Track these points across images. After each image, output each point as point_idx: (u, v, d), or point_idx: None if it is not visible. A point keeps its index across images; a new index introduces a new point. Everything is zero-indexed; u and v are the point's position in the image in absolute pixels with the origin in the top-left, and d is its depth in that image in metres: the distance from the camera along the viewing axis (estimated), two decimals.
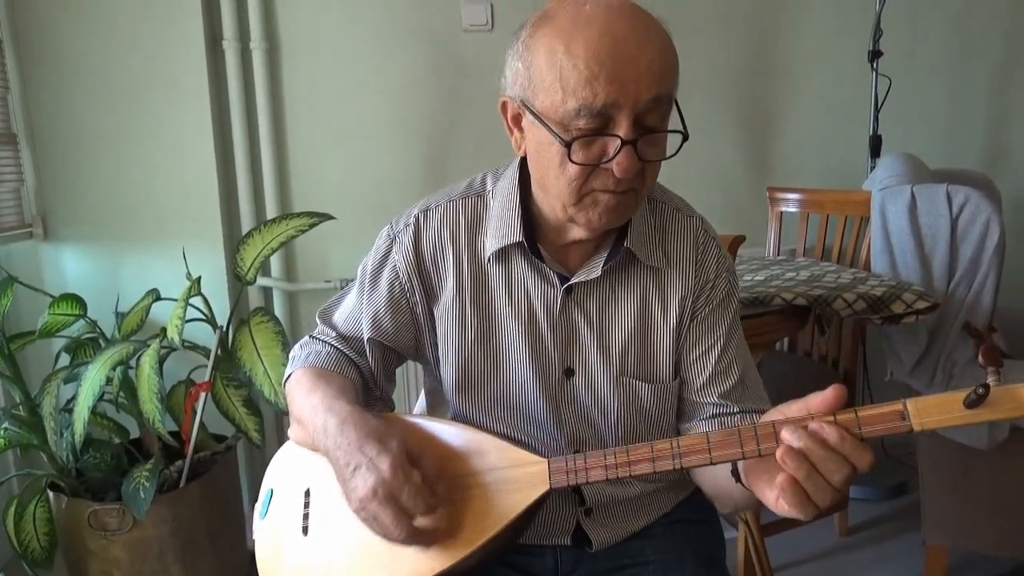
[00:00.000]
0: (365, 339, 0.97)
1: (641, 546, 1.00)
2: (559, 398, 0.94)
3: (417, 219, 0.96)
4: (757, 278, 1.79)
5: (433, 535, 0.78)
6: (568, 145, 0.78)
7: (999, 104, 2.54)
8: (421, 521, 0.77)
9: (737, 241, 1.53)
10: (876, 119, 2.28)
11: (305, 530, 0.90)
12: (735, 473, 0.81)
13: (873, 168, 2.24)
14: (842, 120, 2.41)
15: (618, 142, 0.77)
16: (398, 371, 1.23)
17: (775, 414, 0.73)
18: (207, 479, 1.84)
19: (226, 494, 1.91)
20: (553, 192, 0.84)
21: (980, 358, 0.69)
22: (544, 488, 0.79)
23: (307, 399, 0.88)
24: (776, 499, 0.69)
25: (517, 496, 0.79)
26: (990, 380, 0.68)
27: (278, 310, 2.22)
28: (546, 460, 0.80)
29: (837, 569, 2.03)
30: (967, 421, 0.66)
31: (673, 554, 0.99)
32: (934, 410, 0.66)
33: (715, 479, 0.88)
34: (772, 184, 2.34)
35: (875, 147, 2.32)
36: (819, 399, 0.68)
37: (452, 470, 0.83)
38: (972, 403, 0.64)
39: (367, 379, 1.00)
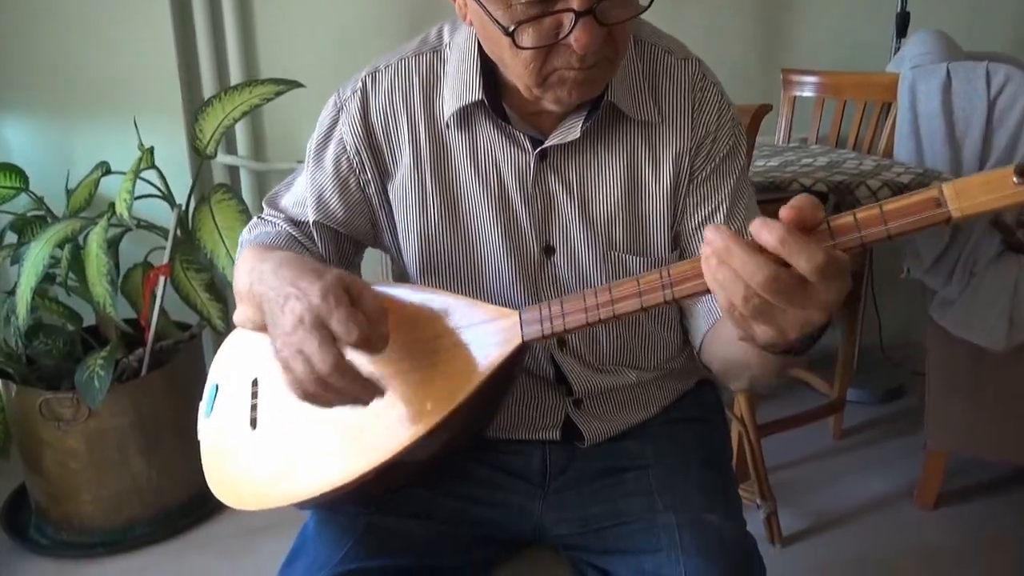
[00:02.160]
0: (311, 222, 0.94)
1: (639, 448, 0.98)
2: (538, 280, 0.91)
3: (364, 84, 0.90)
4: (771, 164, 1.74)
5: (368, 388, 0.73)
6: (511, 33, 0.73)
7: None
8: (357, 359, 0.72)
9: (762, 111, 1.40)
10: None
11: (253, 422, 0.87)
12: None
13: (899, 48, 2.11)
14: None
15: (572, 14, 0.72)
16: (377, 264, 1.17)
17: None
18: (169, 369, 1.78)
19: (190, 385, 1.81)
20: (512, 74, 0.80)
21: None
22: (517, 341, 0.76)
23: (249, 269, 0.83)
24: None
25: (488, 354, 0.77)
26: None
27: (245, 193, 2.11)
28: (517, 312, 0.77)
29: (832, 471, 2.05)
30: (1018, 199, 0.54)
31: (674, 456, 0.96)
32: (978, 190, 0.55)
33: (725, 340, 0.84)
34: (787, 66, 2.21)
35: (902, 25, 2.17)
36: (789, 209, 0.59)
37: (415, 335, 0.80)
38: None
39: None
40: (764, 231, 0.57)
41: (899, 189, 1.53)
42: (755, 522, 1.78)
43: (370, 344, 0.70)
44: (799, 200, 0.59)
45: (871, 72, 2.01)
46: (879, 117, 1.95)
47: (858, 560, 1.75)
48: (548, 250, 0.91)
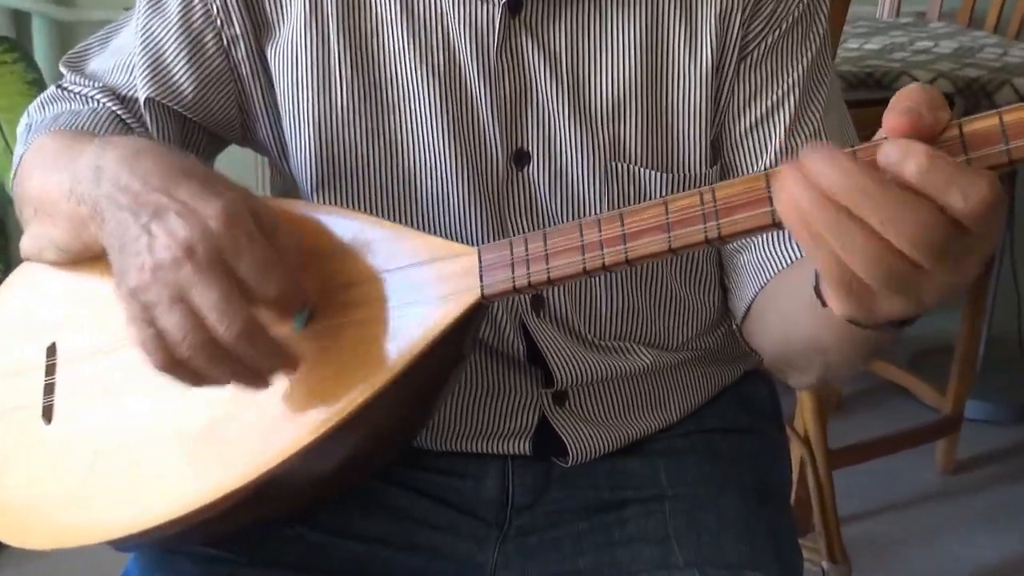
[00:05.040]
0: (141, 100, 0.95)
1: (650, 470, 1.00)
2: (503, 204, 0.93)
3: None
4: (869, 47, 1.77)
5: (283, 359, 0.74)
6: None
7: None
8: (271, 323, 0.73)
9: None
10: None
11: (47, 413, 0.88)
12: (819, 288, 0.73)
13: None
14: None
15: None
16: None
17: None
18: None
19: None
20: None
21: None
22: (472, 297, 0.76)
23: (56, 163, 0.85)
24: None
25: (425, 317, 0.77)
26: None
27: (40, 54, 2.11)
28: (475, 250, 0.77)
29: (936, 523, 2.08)
30: None
31: (703, 485, 0.99)
32: None
33: (788, 307, 0.86)
34: None
35: None
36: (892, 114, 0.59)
37: (312, 282, 0.80)
38: None
39: None
40: (896, 151, 0.56)
41: None
42: None
43: (290, 305, 0.73)
44: (911, 96, 0.58)
45: None
46: None
47: None
48: (520, 157, 0.92)
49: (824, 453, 1.80)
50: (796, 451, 1.81)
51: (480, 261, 0.77)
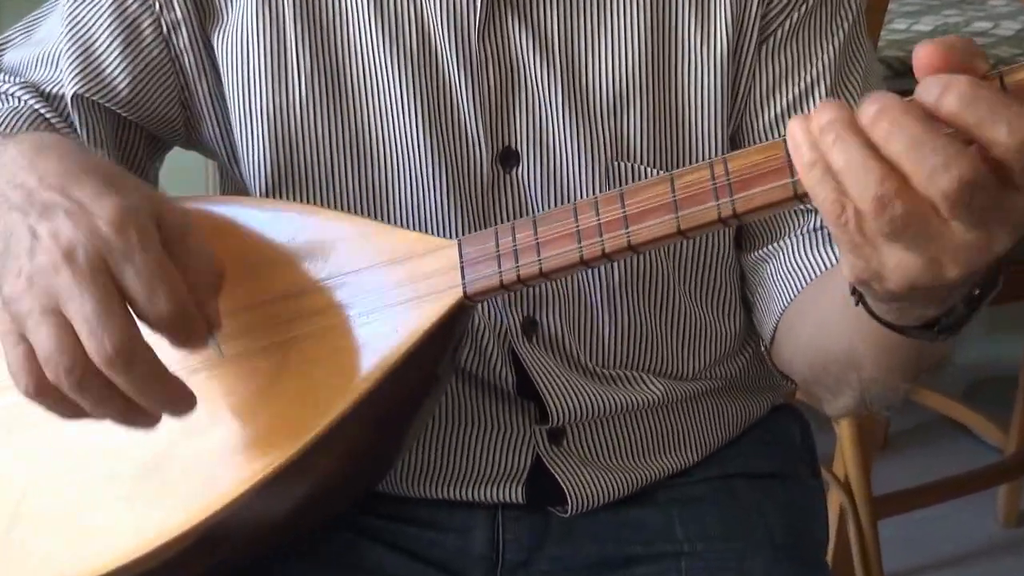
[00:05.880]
0: (68, 96, 0.95)
1: (664, 521, 1.00)
2: (489, 208, 0.95)
3: None
4: (918, 27, 1.80)
5: (172, 394, 0.73)
6: None
7: None
8: (163, 350, 0.71)
9: None
10: None
11: None
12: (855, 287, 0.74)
13: None
14: None
15: None
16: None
17: None
18: None
19: None
20: None
21: None
22: (453, 296, 0.77)
23: None
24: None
25: (399, 321, 0.78)
26: None
27: None
28: (456, 241, 0.78)
29: None
30: None
31: (727, 539, 0.99)
32: None
33: (821, 313, 0.86)
34: None
35: None
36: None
37: (255, 290, 0.82)
38: None
39: None
40: (935, 86, 0.56)
41: None
42: None
43: (187, 329, 0.71)
44: (948, 40, 0.58)
45: None
46: None
47: None
48: (507, 157, 0.93)
49: (867, 501, 1.79)
50: (835, 498, 1.80)
51: (461, 254, 0.77)
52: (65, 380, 0.68)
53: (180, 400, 0.72)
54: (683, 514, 0.99)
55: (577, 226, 0.73)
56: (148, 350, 0.70)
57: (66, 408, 0.71)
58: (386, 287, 0.79)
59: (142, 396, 0.70)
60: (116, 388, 0.69)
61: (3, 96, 0.97)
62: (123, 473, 0.79)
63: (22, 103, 0.96)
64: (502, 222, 0.92)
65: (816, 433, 1.11)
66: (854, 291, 0.74)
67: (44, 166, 0.75)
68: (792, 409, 1.09)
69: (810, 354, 0.90)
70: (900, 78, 1.58)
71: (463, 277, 0.77)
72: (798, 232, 0.95)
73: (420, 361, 0.78)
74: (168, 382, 0.71)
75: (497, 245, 0.76)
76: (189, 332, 0.71)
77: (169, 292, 0.69)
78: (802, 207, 0.75)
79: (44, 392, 0.70)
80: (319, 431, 0.76)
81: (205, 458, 0.78)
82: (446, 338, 0.79)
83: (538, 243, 0.74)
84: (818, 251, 0.93)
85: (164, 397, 0.71)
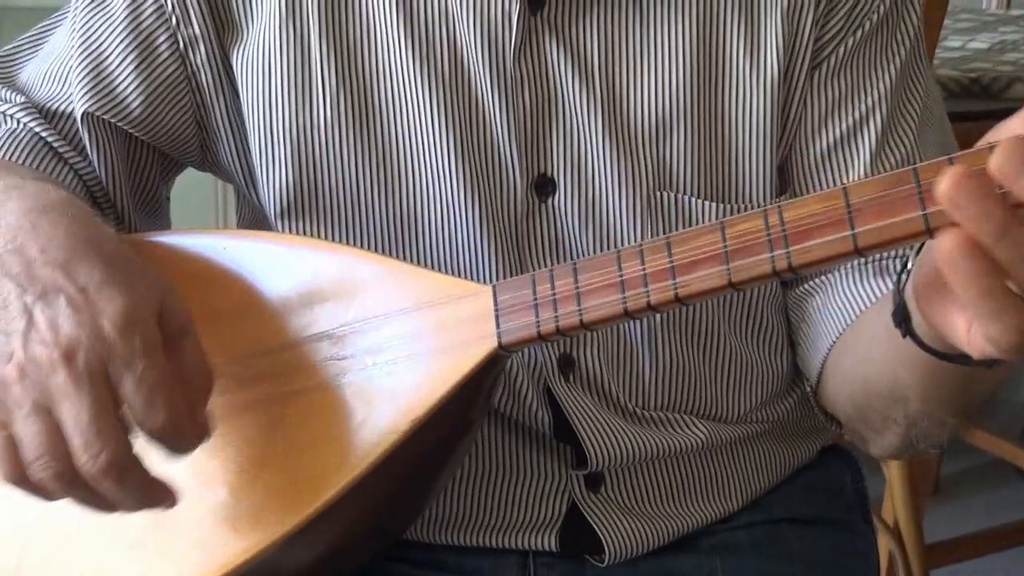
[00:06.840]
0: (78, 114, 0.95)
1: (705, 567, 1.00)
2: (523, 239, 0.94)
3: None
4: (974, 45, 1.83)
5: (154, 498, 0.74)
6: None
7: None
8: (151, 453, 0.73)
9: None
10: None
11: None
12: (900, 314, 0.74)
13: None
14: None
15: None
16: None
17: None
18: None
19: None
20: None
21: None
22: (487, 347, 0.76)
23: None
24: (968, 328, 0.64)
25: (428, 373, 0.78)
26: None
27: None
28: (490, 287, 0.78)
29: None
30: None
31: None
32: None
33: (865, 352, 0.86)
34: None
35: None
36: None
37: (286, 330, 0.82)
38: None
39: (98, 202, 0.99)
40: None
41: None
42: None
43: (178, 441, 0.72)
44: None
45: None
46: None
47: None
48: (543, 185, 0.93)
49: (918, 549, 1.78)
50: (884, 545, 1.79)
51: (495, 302, 0.76)
52: (50, 483, 0.70)
53: (164, 500, 0.74)
54: (726, 563, 0.99)
55: (621, 275, 0.72)
56: (138, 464, 0.72)
57: (43, 496, 0.72)
58: (414, 334, 0.79)
59: (126, 502, 0.72)
60: (109, 494, 0.71)
61: (3, 117, 0.98)
62: (127, 524, 0.79)
63: (21, 126, 0.96)
64: (536, 253, 0.94)
65: (865, 475, 1.10)
66: (899, 321, 0.74)
67: (48, 233, 0.75)
68: (842, 451, 1.09)
69: (854, 389, 0.90)
70: (955, 99, 1.58)
71: (498, 326, 0.76)
72: (845, 265, 0.94)
73: (449, 414, 0.77)
74: (154, 488, 0.73)
75: (534, 293, 0.75)
76: (179, 443, 0.73)
77: (166, 403, 0.71)
78: (861, 259, 0.73)
79: (23, 483, 0.71)
80: (335, 492, 0.76)
81: (207, 523, 0.79)
82: (478, 389, 0.79)
83: (579, 292, 0.73)
84: (867, 284, 0.92)
85: (150, 500, 0.73)
